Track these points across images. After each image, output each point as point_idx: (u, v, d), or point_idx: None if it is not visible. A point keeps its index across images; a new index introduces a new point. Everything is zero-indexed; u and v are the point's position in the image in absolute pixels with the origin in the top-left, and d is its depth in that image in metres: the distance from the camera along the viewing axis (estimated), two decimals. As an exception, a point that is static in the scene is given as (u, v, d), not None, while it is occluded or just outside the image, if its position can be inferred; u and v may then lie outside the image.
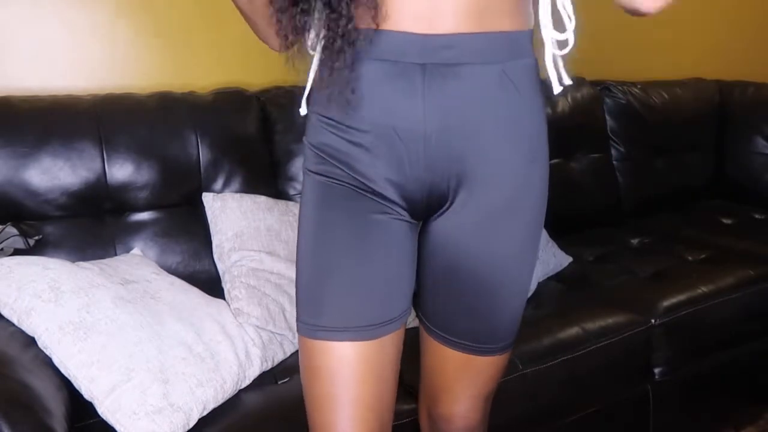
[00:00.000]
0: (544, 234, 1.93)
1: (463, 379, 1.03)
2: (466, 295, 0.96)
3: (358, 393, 0.92)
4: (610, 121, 2.44)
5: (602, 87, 2.45)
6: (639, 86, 2.52)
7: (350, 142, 0.91)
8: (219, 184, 1.70)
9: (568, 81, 0.93)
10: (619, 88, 2.47)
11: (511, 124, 0.90)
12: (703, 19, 2.89)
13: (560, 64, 0.92)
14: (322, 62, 0.89)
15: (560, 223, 2.11)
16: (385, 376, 0.95)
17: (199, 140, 1.68)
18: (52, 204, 1.53)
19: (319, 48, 0.92)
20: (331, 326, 0.91)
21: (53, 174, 1.52)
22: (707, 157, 2.68)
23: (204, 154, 1.68)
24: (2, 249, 1.40)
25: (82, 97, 1.64)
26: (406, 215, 0.94)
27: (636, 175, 2.46)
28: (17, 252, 1.41)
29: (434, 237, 0.95)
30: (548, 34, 0.90)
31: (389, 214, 0.93)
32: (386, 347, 0.94)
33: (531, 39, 0.91)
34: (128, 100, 1.67)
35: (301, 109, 0.99)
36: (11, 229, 1.42)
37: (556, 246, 1.96)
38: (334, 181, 0.92)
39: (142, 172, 1.61)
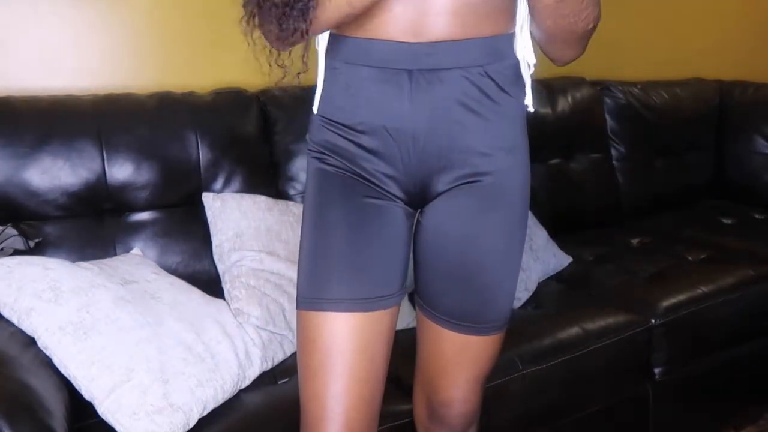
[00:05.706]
0: (544, 234, 1.93)
1: (462, 361, 1.07)
2: (462, 276, 1.02)
3: (351, 363, 0.96)
4: (610, 121, 2.43)
5: (602, 87, 2.44)
6: (639, 86, 2.52)
7: (350, 141, 0.99)
8: (219, 184, 1.70)
9: (530, 108, 1.01)
10: (619, 88, 2.46)
11: (492, 119, 0.97)
12: (703, 19, 2.89)
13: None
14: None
15: (560, 223, 2.11)
16: (377, 350, 0.99)
17: (199, 140, 1.68)
18: (52, 204, 1.53)
19: (323, 44, 1.01)
20: (329, 298, 0.97)
21: (53, 174, 1.52)
22: (707, 157, 2.68)
23: (204, 154, 1.68)
24: (2, 249, 1.40)
25: (82, 97, 1.64)
26: (402, 204, 1.01)
27: (636, 175, 2.46)
28: (17, 253, 1.41)
29: (428, 223, 1.02)
30: (522, 54, 0.99)
31: (386, 199, 1.00)
32: (380, 323, 0.99)
33: (512, 41, 0.98)
34: (128, 100, 1.67)
35: (314, 107, 1.04)
36: (11, 230, 1.42)
37: (556, 246, 1.96)
38: (334, 168, 1.00)
39: (142, 172, 1.61)
